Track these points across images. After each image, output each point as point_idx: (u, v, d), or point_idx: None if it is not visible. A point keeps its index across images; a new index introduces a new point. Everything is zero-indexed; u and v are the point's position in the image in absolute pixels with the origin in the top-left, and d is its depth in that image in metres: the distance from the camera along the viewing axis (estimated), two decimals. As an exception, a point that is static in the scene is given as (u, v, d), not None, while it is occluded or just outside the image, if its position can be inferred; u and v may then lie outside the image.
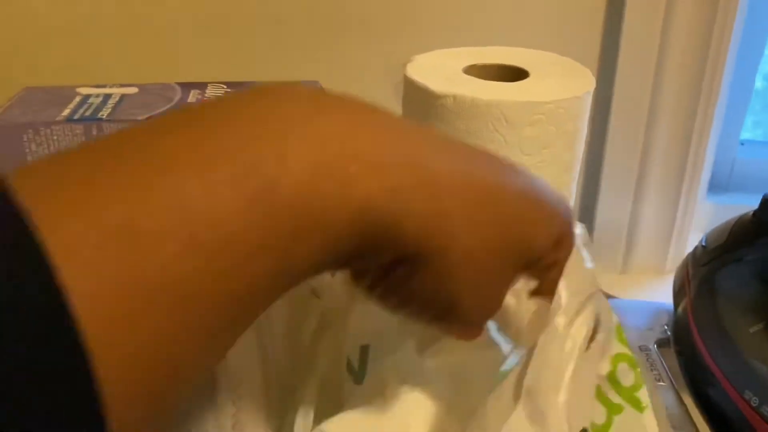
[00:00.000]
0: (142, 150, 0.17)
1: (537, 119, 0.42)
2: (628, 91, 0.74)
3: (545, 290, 0.26)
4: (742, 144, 0.90)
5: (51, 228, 0.15)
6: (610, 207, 0.80)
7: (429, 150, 0.21)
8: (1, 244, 0.14)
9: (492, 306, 0.24)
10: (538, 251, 0.24)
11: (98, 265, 0.15)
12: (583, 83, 0.46)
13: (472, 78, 0.46)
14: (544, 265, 0.25)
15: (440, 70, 0.47)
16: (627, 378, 0.34)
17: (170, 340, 0.16)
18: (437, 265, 0.21)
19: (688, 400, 0.52)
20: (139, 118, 0.50)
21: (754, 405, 0.45)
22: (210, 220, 0.16)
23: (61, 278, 0.14)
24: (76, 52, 0.71)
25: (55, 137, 0.49)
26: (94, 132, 0.49)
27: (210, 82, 0.58)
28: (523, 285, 0.26)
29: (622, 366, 0.34)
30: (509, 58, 0.50)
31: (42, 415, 0.14)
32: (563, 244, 0.25)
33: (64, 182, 0.16)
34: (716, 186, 0.90)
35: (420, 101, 0.45)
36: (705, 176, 0.82)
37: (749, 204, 0.54)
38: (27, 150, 0.49)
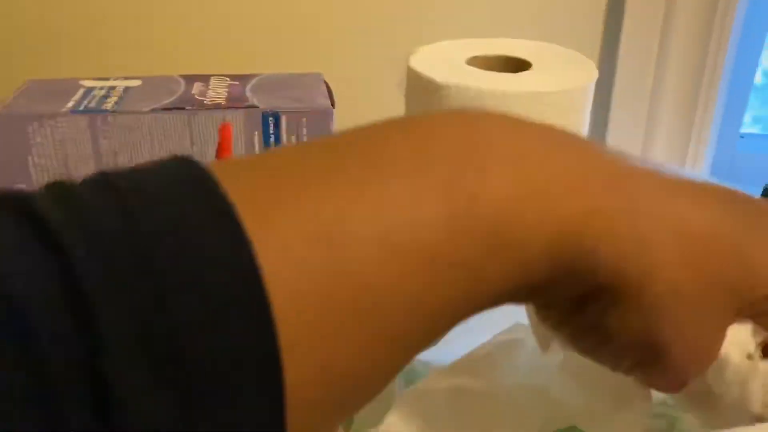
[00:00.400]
0: (348, 155, 0.17)
1: (541, 110, 0.43)
2: (628, 85, 0.74)
3: None
4: (742, 137, 0.90)
5: (260, 224, 0.14)
6: (610, 200, 0.81)
7: (631, 173, 0.19)
8: (208, 237, 0.14)
9: (707, 352, 0.21)
10: (762, 287, 0.20)
11: (305, 264, 0.15)
12: (586, 74, 0.46)
13: (476, 69, 0.46)
14: None
15: (444, 61, 0.47)
16: None
17: (360, 349, 0.16)
18: (638, 299, 0.19)
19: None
20: (144, 110, 0.50)
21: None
22: (413, 229, 0.16)
23: (266, 275, 0.14)
24: (78, 45, 0.71)
25: (60, 129, 0.49)
26: (99, 124, 0.50)
27: (213, 75, 0.58)
28: (750, 335, 0.21)
29: None
30: (512, 49, 0.50)
31: (230, 415, 0.14)
32: None
33: (271, 177, 0.16)
34: (716, 179, 0.90)
35: (423, 92, 0.45)
36: (705, 169, 0.82)
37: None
38: (32, 142, 0.49)
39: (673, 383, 0.21)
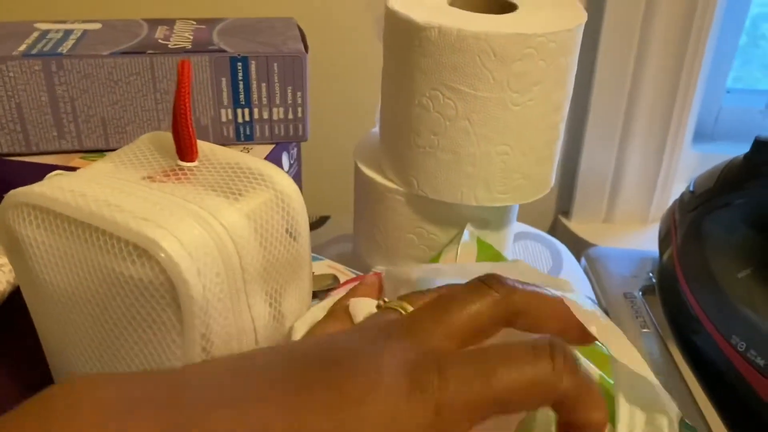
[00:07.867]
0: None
1: (527, 53, 0.40)
2: (614, 38, 0.72)
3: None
4: (728, 92, 0.88)
5: None
6: (594, 154, 0.79)
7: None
8: None
9: None
10: None
11: None
12: (575, 16, 0.43)
13: (458, 10, 0.43)
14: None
15: (424, 2, 0.44)
16: None
17: None
18: None
19: (673, 347, 0.51)
20: (104, 53, 0.47)
21: (740, 350, 0.45)
22: None
23: None
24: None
25: (11, 74, 0.46)
26: (54, 68, 0.46)
27: (179, 18, 0.54)
28: None
29: None
30: (496, -9, 0.47)
31: None
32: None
33: None
34: (701, 135, 0.89)
35: (402, 35, 0.42)
36: (691, 124, 0.80)
37: (735, 153, 0.52)
38: (-19, 87, 0.45)
39: None
